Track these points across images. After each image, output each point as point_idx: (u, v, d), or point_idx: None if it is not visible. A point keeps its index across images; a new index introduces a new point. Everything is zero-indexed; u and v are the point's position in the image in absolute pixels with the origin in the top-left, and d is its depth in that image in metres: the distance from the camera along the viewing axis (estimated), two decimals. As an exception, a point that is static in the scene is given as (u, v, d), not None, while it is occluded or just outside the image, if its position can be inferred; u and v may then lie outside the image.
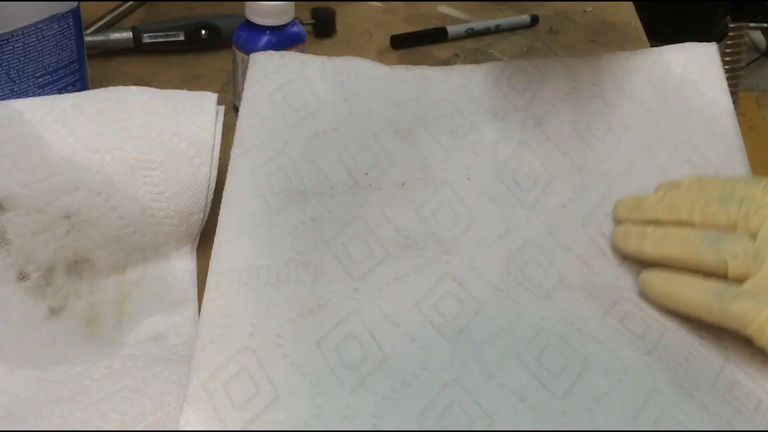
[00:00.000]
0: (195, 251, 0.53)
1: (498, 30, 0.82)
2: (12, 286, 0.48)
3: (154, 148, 0.52)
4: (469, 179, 0.53)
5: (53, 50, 0.59)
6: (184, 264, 0.52)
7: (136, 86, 0.55)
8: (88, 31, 0.74)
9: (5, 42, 0.56)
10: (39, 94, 0.59)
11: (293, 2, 0.64)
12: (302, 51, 0.66)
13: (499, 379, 0.42)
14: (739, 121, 1.45)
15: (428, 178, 0.53)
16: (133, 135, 0.52)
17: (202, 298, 0.45)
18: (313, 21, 0.78)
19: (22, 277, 0.48)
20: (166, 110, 0.54)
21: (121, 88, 0.54)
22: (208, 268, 0.47)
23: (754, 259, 0.43)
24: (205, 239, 0.54)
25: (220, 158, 0.63)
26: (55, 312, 0.48)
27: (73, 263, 0.49)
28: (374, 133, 0.55)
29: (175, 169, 0.52)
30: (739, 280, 0.43)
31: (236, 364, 0.42)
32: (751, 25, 1.29)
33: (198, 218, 0.54)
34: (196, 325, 0.47)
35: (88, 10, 0.78)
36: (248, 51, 0.63)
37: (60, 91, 0.60)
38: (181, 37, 0.73)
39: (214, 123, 0.55)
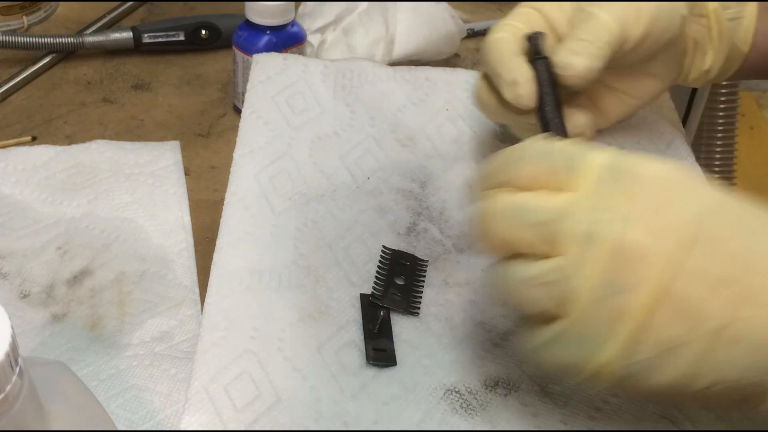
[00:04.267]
0: (192, 247, 0.53)
1: (498, 30, 0.82)
2: (14, 303, 0.49)
3: (126, 188, 0.57)
4: (470, 186, 0.53)
5: None
6: (183, 261, 0.52)
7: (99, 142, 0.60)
8: (89, 31, 0.74)
9: None
10: None
11: (293, 2, 0.64)
12: (302, 51, 0.66)
13: (500, 386, 0.42)
14: (738, 121, 1.45)
15: (429, 185, 0.53)
16: (104, 187, 0.57)
17: (204, 301, 0.46)
18: (314, 21, 0.77)
19: (24, 295, 0.49)
20: (131, 160, 0.59)
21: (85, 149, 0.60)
22: (209, 270, 0.47)
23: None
24: (206, 241, 0.54)
25: (219, 159, 0.63)
26: (58, 318, 0.48)
27: (72, 279, 0.50)
28: (376, 140, 0.55)
29: (147, 192, 0.57)
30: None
31: (238, 366, 0.42)
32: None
33: (179, 215, 0.54)
34: (200, 322, 0.47)
35: (89, 10, 0.78)
36: (248, 51, 0.63)
37: None
38: (182, 37, 0.73)
39: (175, 160, 0.60)
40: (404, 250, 0.49)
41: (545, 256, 0.34)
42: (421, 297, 0.47)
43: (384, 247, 0.49)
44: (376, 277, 0.47)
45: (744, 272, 0.33)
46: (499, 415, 0.41)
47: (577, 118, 0.50)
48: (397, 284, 0.47)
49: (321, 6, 0.71)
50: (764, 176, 1.73)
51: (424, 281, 0.48)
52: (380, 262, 0.48)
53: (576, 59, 0.46)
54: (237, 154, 0.52)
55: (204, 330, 0.43)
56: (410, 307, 0.46)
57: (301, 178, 0.52)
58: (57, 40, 0.70)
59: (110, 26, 0.77)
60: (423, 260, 0.49)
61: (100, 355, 0.46)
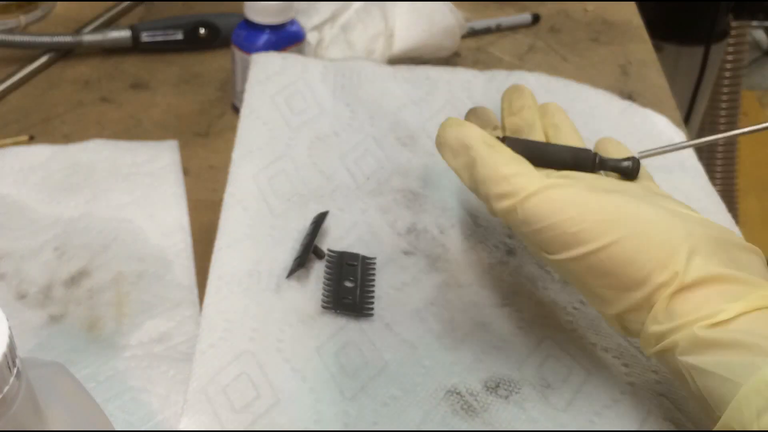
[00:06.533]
0: (191, 248, 0.53)
1: (499, 29, 0.82)
2: (12, 304, 0.48)
3: (124, 188, 0.57)
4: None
5: None
6: (181, 261, 0.52)
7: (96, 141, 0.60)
8: (86, 30, 0.74)
9: None
10: None
11: (292, 1, 0.64)
12: (301, 50, 0.66)
13: (501, 388, 0.42)
14: (741, 120, 1.45)
15: (430, 185, 0.53)
16: (102, 187, 0.56)
17: (203, 302, 0.45)
18: (313, 19, 0.77)
19: (21, 296, 0.49)
20: (129, 159, 0.59)
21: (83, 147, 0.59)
22: (208, 270, 0.47)
23: None
24: (205, 242, 0.53)
25: (218, 159, 0.63)
26: (55, 319, 0.48)
27: (70, 280, 0.50)
28: (375, 139, 0.55)
29: (145, 192, 0.56)
30: None
31: (237, 367, 0.42)
32: (753, 23, 1.30)
33: (177, 215, 0.54)
34: (198, 323, 0.47)
35: (87, 9, 0.78)
36: (247, 50, 0.63)
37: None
38: (180, 36, 0.73)
39: (173, 159, 0.60)
40: (349, 251, 0.47)
41: None
42: (373, 298, 0.46)
43: (329, 250, 0.47)
44: (324, 283, 0.45)
45: None
46: (499, 417, 0.41)
47: None
48: (346, 287, 0.45)
49: (315, 3, 0.71)
50: (766, 176, 1.72)
51: (374, 281, 0.46)
52: (326, 266, 0.46)
53: None
54: (235, 154, 0.52)
55: (202, 331, 0.43)
56: (363, 310, 0.45)
57: (300, 178, 0.52)
58: (54, 39, 0.70)
59: (108, 25, 0.77)
60: (371, 258, 0.48)
61: (98, 356, 0.45)
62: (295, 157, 0.53)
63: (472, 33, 0.80)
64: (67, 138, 0.63)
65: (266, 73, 0.57)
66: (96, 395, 0.40)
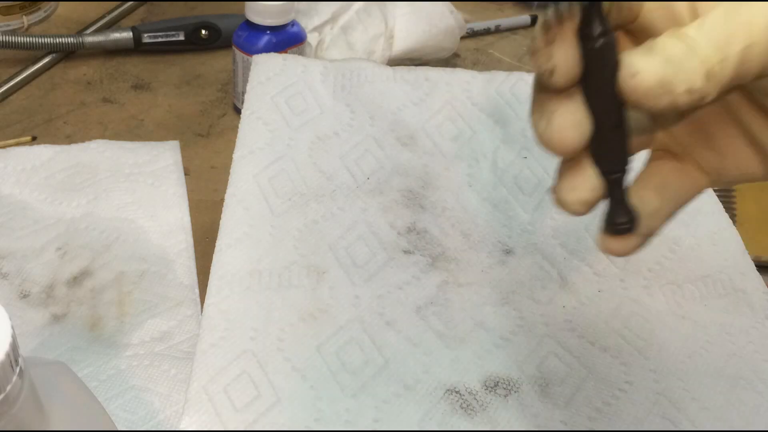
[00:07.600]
0: (192, 248, 0.53)
1: (498, 30, 0.82)
2: (14, 303, 0.49)
3: (126, 188, 0.57)
4: (470, 185, 0.53)
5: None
6: (183, 261, 0.52)
7: (98, 141, 0.60)
8: (88, 31, 0.74)
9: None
10: None
11: (293, 2, 0.64)
12: (302, 51, 0.66)
13: (500, 387, 0.42)
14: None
15: (430, 184, 0.53)
16: (104, 187, 0.57)
17: (204, 302, 0.45)
18: (314, 21, 0.77)
19: (24, 295, 0.49)
20: (130, 159, 0.59)
21: (84, 148, 0.60)
22: (209, 270, 0.47)
23: None
24: (206, 241, 0.54)
25: (219, 159, 0.63)
26: (58, 318, 0.48)
27: (72, 280, 0.50)
28: (376, 140, 0.55)
29: (146, 192, 0.57)
30: None
31: (237, 367, 0.42)
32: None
33: (179, 215, 0.54)
34: (199, 322, 0.47)
35: (88, 10, 0.79)
36: (248, 51, 0.63)
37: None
38: (181, 37, 0.73)
39: (175, 159, 0.60)
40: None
41: None
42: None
43: None
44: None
45: None
46: (499, 416, 0.41)
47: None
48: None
49: (315, 5, 0.71)
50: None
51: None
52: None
53: (647, 63, 0.26)
54: (236, 155, 0.52)
55: (203, 331, 0.43)
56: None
57: (301, 178, 0.52)
58: (57, 40, 0.70)
59: (110, 26, 0.77)
60: None
61: (100, 355, 0.46)
62: (295, 157, 0.53)
63: (472, 34, 0.80)
64: (69, 138, 0.63)
65: (267, 74, 0.57)
66: (98, 394, 0.40)
